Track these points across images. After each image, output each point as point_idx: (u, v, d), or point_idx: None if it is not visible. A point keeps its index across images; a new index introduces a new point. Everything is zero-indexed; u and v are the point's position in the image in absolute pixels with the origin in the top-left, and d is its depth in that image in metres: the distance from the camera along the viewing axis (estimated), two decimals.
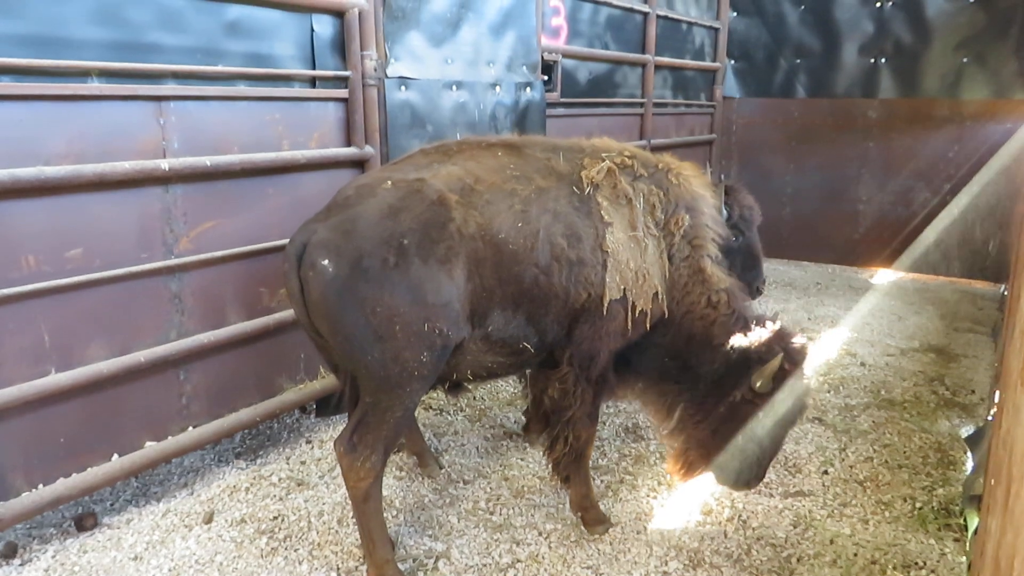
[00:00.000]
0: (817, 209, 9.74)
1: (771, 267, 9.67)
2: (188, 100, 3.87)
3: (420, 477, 4.30)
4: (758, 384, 3.35)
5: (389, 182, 3.17)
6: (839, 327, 7.16)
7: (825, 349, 6.48)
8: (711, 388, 3.53)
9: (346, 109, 4.72)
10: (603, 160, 3.49)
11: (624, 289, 3.37)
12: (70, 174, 3.39)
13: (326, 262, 2.92)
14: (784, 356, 3.36)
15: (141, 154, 3.70)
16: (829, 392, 5.52)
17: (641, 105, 8.26)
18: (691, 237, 3.52)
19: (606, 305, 3.35)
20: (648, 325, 3.49)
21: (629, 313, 3.41)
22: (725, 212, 4.93)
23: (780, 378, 3.38)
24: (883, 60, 9.18)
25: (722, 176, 5.09)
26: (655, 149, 8.49)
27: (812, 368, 3.86)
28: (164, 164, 3.75)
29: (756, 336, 3.47)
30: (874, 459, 4.51)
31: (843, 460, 4.50)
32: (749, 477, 3.60)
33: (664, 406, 3.72)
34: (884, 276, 9.25)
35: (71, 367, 3.56)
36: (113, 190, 3.62)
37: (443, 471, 4.37)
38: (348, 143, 4.76)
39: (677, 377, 3.64)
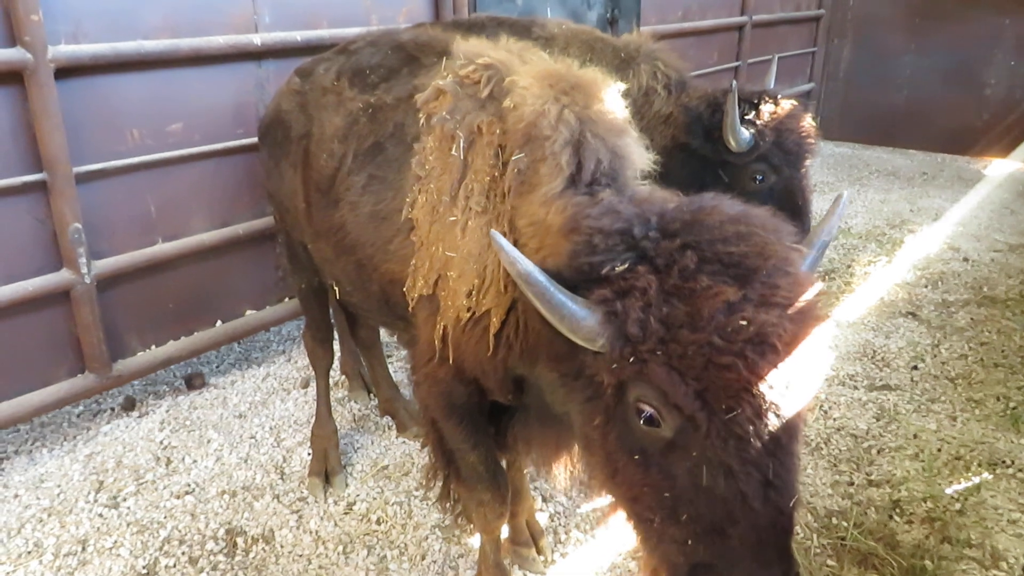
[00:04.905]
0: (936, 93, 8.99)
1: (873, 155, 9.18)
2: None
3: None
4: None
5: (317, 60, 3.04)
6: (943, 220, 6.80)
7: (926, 242, 6.19)
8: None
9: None
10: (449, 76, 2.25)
11: (436, 285, 2.13)
12: (168, 48, 3.46)
13: None
14: None
15: (234, 28, 3.73)
16: (926, 287, 5.31)
17: None
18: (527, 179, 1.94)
19: (412, 299, 2.23)
20: (493, 370, 2.06)
21: (438, 329, 2.13)
22: (749, 136, 3.38)
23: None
24: None
25: (733, 82, 3.41)
26: (756, 25, 7.97)
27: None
28: (256, 39, 3.77)
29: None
30: (968, 356, 4.37)
31: (935, 356, 4.38)
32: None
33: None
34: (999, 167, 8.63)
35: (176, 238, 3.75)
36: (208, 65, 3.69)
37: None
38: (436, 17, 4.65)
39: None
